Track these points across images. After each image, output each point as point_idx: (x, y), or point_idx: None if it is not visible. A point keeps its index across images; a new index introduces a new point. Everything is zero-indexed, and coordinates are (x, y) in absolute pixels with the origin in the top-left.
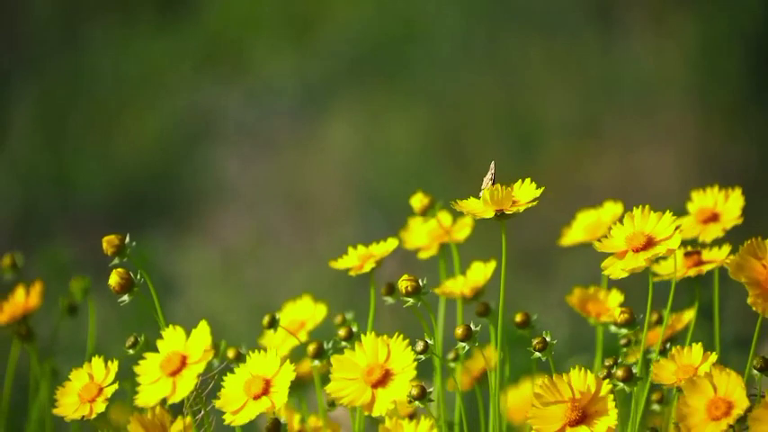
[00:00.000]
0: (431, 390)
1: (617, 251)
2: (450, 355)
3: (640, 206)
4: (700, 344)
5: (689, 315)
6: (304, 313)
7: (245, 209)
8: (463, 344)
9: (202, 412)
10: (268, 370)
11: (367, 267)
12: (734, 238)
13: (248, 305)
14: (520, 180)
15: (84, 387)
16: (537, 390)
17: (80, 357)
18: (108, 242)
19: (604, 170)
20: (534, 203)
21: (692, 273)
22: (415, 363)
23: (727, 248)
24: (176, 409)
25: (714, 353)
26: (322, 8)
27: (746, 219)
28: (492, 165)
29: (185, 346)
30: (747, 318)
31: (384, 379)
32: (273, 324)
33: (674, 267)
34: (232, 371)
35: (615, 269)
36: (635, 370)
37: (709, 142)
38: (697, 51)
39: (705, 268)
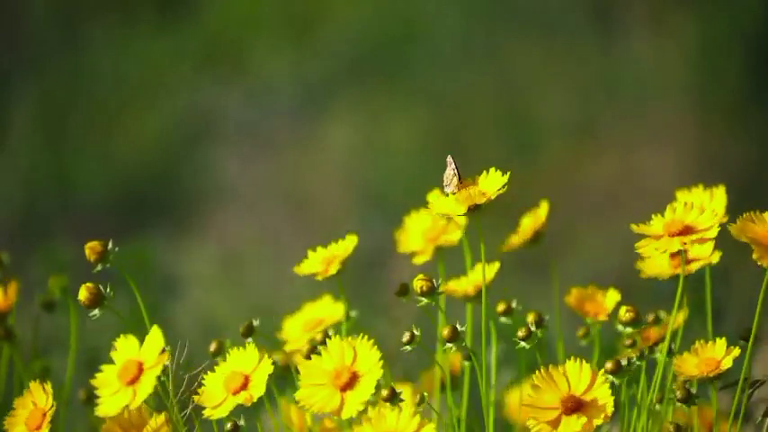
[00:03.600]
0: (400, 390)
1: (653, 234)
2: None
3: (685, 201)
4: (724, 339)
5: (683, 314)
6: (323, 311)
7: (245, 209)
8: (450, 345)
9: (189, 409)
10: (247, 366)
11: (332, 270)
12: (732, 239)
13: (248, 305)
14: (484, 171)
15: (29, 415)
16: (533, 380)
17: (80, 357)
18: (90, 249)
19: (604, 170)
20: (504, 190)
21: (680, 271)
22: (381, 362)
23: (710, 245)
24: (161, 407)
25: (737, 347)
26: (322, 8)
27: None
28: (449, 159)
29: (140, 352)
30: (749, 316)
31: (351, 382)
32: (250, 332)
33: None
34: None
35: (649, 248)
36: (623, 362)
37: (709, 142)
38: (697, 51)
39: (693, 266)
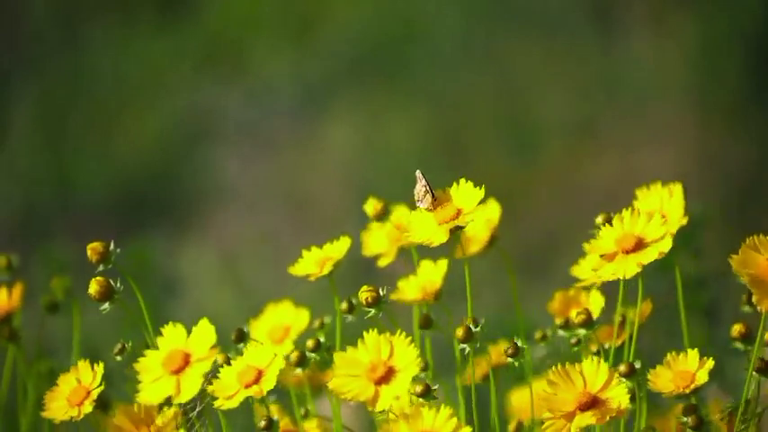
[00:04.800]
0: (435, 387)
1: (606, 253)
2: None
3: (630, 207)
4: (696, 350)
5: (646, 309)
6: (287, 318)
7: (245, 209)
8: (464, 345)
9: (199, 408)
10: (262, 361)
11: (326, 270)
12: (733, 240)
13: (248, 305)
14: (454, 183)
15: (72, 391)
16: (550, 377)
17: (82, 357)
18: (92, 249)
19: (604, 170)
20: (483, 206)
21: (613, 277)
22: (419, 359)
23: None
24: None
25: (710, 359)
26: (322, 8)
27: (747, 219)
28: (419, 174)
29: (187, 343)
30: (744, 319)
31: (387, 376)
32: (243, 338)
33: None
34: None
35: (605, 272)
36: (637, 365)
37: (709, 142)
38: (697, 51)
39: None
